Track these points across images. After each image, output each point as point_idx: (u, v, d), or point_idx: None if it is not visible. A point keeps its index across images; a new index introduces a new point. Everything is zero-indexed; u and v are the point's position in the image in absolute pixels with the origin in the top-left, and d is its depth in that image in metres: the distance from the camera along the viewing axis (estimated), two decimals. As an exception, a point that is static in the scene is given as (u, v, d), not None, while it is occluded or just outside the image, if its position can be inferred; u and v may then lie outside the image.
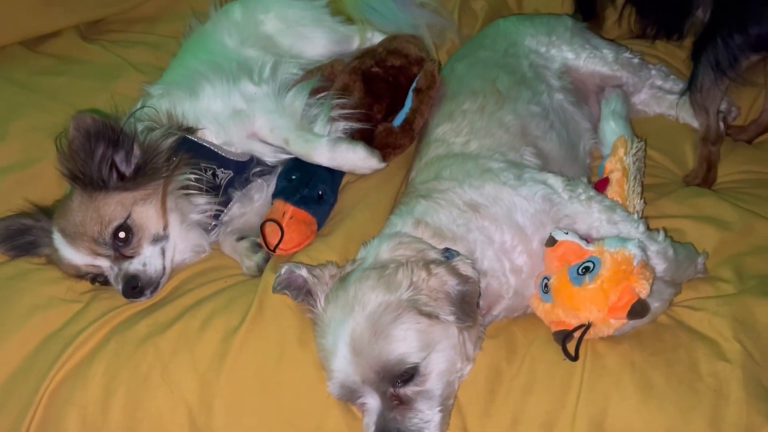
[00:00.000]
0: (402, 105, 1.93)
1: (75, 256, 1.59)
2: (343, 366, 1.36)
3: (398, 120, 1.91)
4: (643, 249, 1.48)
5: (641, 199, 1.77)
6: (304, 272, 1.51)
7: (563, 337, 1.46)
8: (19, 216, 1.68)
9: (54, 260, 1.65)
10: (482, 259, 1.53)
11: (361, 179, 1.87)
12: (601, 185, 1.80)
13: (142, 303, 1.60)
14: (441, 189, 1.64)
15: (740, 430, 1.34)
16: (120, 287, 1.58)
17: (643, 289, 1.43)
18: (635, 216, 1.65)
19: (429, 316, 1.38)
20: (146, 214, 1.62)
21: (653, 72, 2.16)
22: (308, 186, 1.72)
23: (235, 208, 1.80)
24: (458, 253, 1.49)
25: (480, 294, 1.49)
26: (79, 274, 1.63)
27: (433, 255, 1.48)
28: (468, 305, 1.41)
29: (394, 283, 1.40)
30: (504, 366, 1.49)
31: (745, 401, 1.36)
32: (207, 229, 1.75)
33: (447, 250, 1.51)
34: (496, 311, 1.58)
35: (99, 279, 1.63)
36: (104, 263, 1.60)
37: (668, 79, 2.16)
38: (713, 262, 1.68)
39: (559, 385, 1.44)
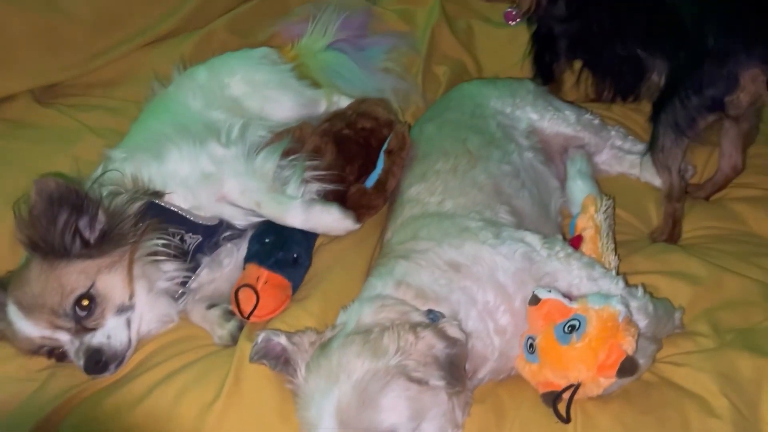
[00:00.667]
0: (374, 166, 1.92)
1: (32, 329, 1.47)
2: None
3: (370, 181, 1.89)
4: (626, 305, 1.48)
5: (615, 255, 1.78)
6: (282, 340, 1.44)
7: (553, 398, 1.43)
8: (-29, 293, 1.56)
9: (7, 336, 1.52)
10: (466, 320, 1.50)
11: (335, 241, 1.83)
12: (574, 243, 1.81)
13: (106, 378, 1.48)
14: (420, 249, 1.61)
15: (738, 489, 1.31)
16: (81, 362, 1.46)
17: (630, 346, 1.42)
18: (613, 272, 1.65)
19: (418, 382, 1.32)
20: (111, 283, 1.53)
21: (612, 133, 2.22)
22: (283, 249, 1.66)
23: (203, 274, 1.72)
24: (443, 315, 1.46)
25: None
26: (34, 350, 1.51)
27: (417, 317, 1.44)
28: (457, 369, 1.37)
29: (380, 348, 1.34)
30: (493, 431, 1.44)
31: (740, 458, 1.34)
32: (174, 297, 1.66)
33: (431, 311, 1.47)
34: (481, 374, 1.54)
35: (56, 353, 1.51)
36: (64, 336, 1.48)
37: (627, 139, 2.23)
38: (688, 317, 1.69)
39: (552, 451, 1.39)
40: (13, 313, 1.49)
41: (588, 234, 1.82)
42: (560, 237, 1.72)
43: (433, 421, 1.33)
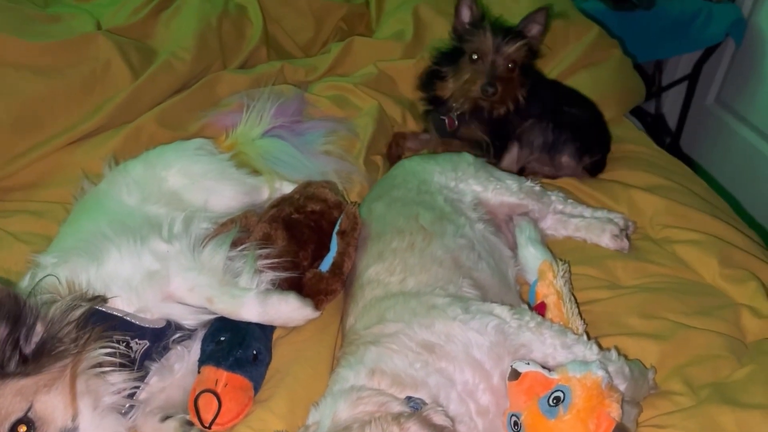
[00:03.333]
0: (327, 250, 1.85)
1: None
2: None
3: (325, 265, 1.82)
4: (605, 370, 1.45)
5: (581, 319, 1.77)
6: (254, 449, 1.31)
7: (548, 478, 1.35)
8: None
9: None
10: (447, 404, 1.42)
11: (294, 332, 1.72)
12: (539, 310, 1.79)
13: None
14: (389, 333, 1.54)
15: None
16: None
17: (616, 412, 1.38)
18: (584, 337, 1.63)
19: None
20: (51, 404, 1.35)
21: (553, 198, 2.27)
22: (241, 347, 1.54)
23: (153, 383, 1.56)
24: (424, 402, 1.37)
25: (453, 444, 1.36)
26: None
27: (397, 407, 1.35)
28: None
29: None
30: None
31: None
32: (122, 412, 1.49)
33: (410, 398, 1.39)
34: (466, 461, 1.44)
35: (-13, 497, 1.31)
36: (-3, 473, 1.29)
37: (567, 203, 2.28)
38: (660, 376, 1.69)
39: None
40: (-67, 452, 1.28)
41: (551, 300, 1.80)
42: (526, 307, 1.69)
43: None
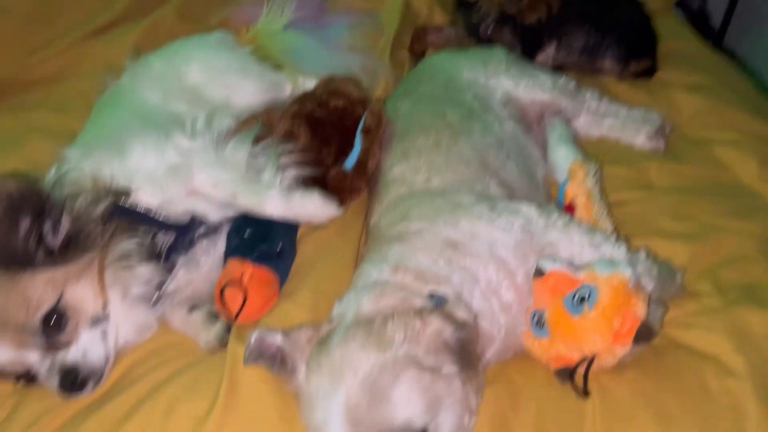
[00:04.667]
0: (351, 147, 1.81)
1: None
2: None
3: (349, 163, 1.78)
4: (633, 269, 1.42)
5: (611, 220, 1.73)
6: (277, 338, 1.32)
7: (569, 373, 1.36)
8: None
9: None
10: (471, 300, 1.41)
11: (318, 229, 1.71)
12: (567, 211, 1.75)
13: (84, 399, 1.34)
14: (413, 230, 1.52)
15: (767, 447, 1.27)
16: (56, 383, 1.32)
17: (642, 311, 1.36)
18: (613, 237, 1.59)
19: (431, 370, 1.23)
20: (82, 293, 1.38)
21: (588, 96, 2.17)
22: (266, 241, 1.54)
23: (180, 276, 1.58)
24: (446, 297, 1.37)
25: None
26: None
27: (420, 301, 1.35)
28: (469, 353, 1.28)
29: (386, 338, 1.24)
30: (509, 414, 1.36)
31: (764, 414, 1.30)
32: (151, 303, 1.52)
33: (433, 294, 1.38)
34: (488, 354, 1.45)
35: (24, 377, 1.36)
36: (33, 356, 1.33)
37: (602, 102, 2.18)
38: (689, 278, 1.65)
39: (572, 428, 1.32)
40: (-30, 337, 1.33)
41: (580, 201, 1.76)
42: (554, 206, 1.65)
43: (450, 410, 1.24)
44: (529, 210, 1.56)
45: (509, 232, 1.50)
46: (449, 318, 1.29)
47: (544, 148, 2.00)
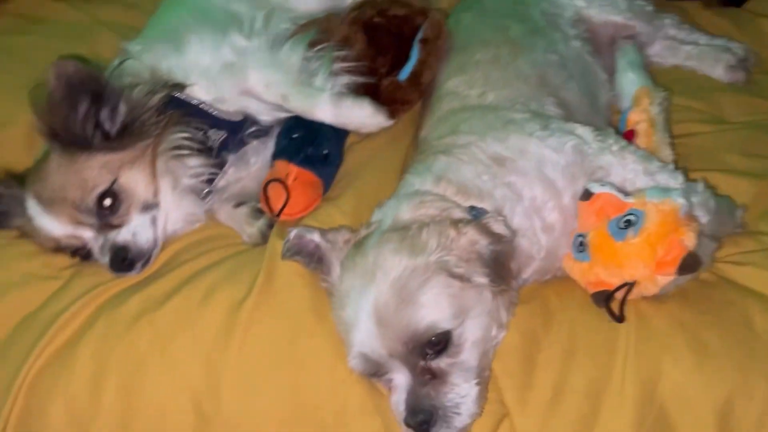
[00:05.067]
0: (407, 58, 1.77)
1: (53, 225, 1.40)
2: (366, 339, 1.21)
3: (404, 74, 1.75)
4: (687, 199, 1.35)
5: (672, 150, 1.64)
6: (316, 236, 1.35)
7: (605, 297, 1.33)
8: (-10, 187, 1.49)
9: (28, 232, 1.46)
10: (512, 216, 1.39)
11: (367, 139, 1.71)
12: (627, 137, 1.67)
13: (132, 278, 1.42)
14: (461, 143, 1.49)
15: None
16: (107, 260, 1.40)
17: (691, 241, 1.30)
18: (671, 166, 1.52)
19: (461, 279, 1.23)
20: (135, 179, 1.44)
21: (667, 21, 2.04)
22: (313, 144, 1.55)
23: (230, 173, 1.63)
24: (486, 211, 1.35)
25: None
26: (57, 247, 1.44)
27: (458, 213, 1.34)
28: (502, 267, 1.27)
29: (419, 244, 1.25)
30: (540, 332, 1.36)
31: (809, 357, 1.25)
32: (201, 197, 1.57)
33: (473, 208, 1.36)
34: (526, 274, 1.44)
35: (80, 252, 1.45)
36: (87, 233, 1.42)
37: (682, 28, 2.05)
38: (750, 216, 1.56)
39: (603, 351, 1.30)
40: (33, 208, 1.42)
41: (641, 128, 1.68)
42: (612, 130, 1.57)
43: (476, 319, 1.25)
44: (584, 131, 1.50)
45: (560, 151, 1.45)
46: (485, 230, 1.28)
47: (612, 73, 1.91)
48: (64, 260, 1.46)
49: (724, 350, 1.27)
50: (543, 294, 1.43)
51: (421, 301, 1.20)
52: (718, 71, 1.94)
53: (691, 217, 1.33)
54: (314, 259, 1.36)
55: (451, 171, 1.43)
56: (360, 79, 1.69)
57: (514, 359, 1.32)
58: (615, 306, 1.32)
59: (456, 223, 1.28)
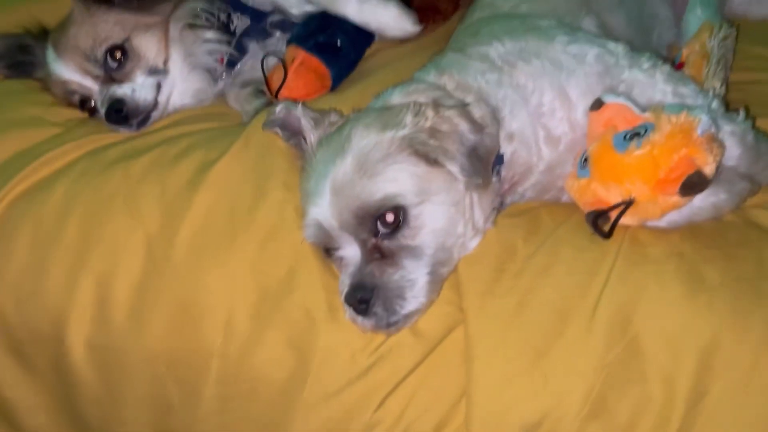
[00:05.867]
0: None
1: (63, 70, 1.47)
2: (320, 207, 1.15)
3: (444, -16, 1.67)
4: (714, 121, 1.18)
5: (723, 85, 1.45)
6: (301, 113, 1.31)
7: (597, 214, 1.19)
8: (21, 35, 1.58)
9: (47, 83, 1.54)
10: (511, 119, 1.27)
11: (393, 46, 1.65)
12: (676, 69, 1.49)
13: (126, 134, 1.45)
14: (475, 43, 1.40)
15: (813, 342, 1.03)
16: (104, 111, 1.44)
17: (706, 164, 1.13)
18: (710, 93, 1.33)
19: (427, 160, 1.14)
20: (146, 42, 1.48)
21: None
22: (325, 33, 1.52)
23: (249, 60, 1.62)
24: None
25: (501, 158, 1.25)
26: (67, 94, 1.51)
27: (449, 102, 1.25)
28: (479, 159, 1.17)
29: (394, 121, 1.17)
30: (520, 244, 1.23)
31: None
32: (215, 77, 1.58)
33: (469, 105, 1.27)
34: (522, 187, 1.32)
35: (88, 105, 1.50)
36: (93, 84, 1.47)
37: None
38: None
39: (584, 271, 1.16)
40: (50, 54, 1.50)
41: (693, 59, 1.49)
42: (654, 55, 1.41)
43: (440, 206, 1.15)
44: (615, 46, 1.36)
45: (580, 59, 1.32)
46: (466, 115, 1.18)
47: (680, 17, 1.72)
48: (74, 113, 1.52)
49: (722, 286, 1.10)
50: (536, 212, 1.31)
51: (380, 173, 1.13)
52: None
53: (713, 140, 1.16)
54: (296, 137, 1.32)
55: (456, 66, 1.34)
56: (394, -18, 1.63)
57: (485, 267, 1.21)
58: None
59: (437, 105, 1.19)
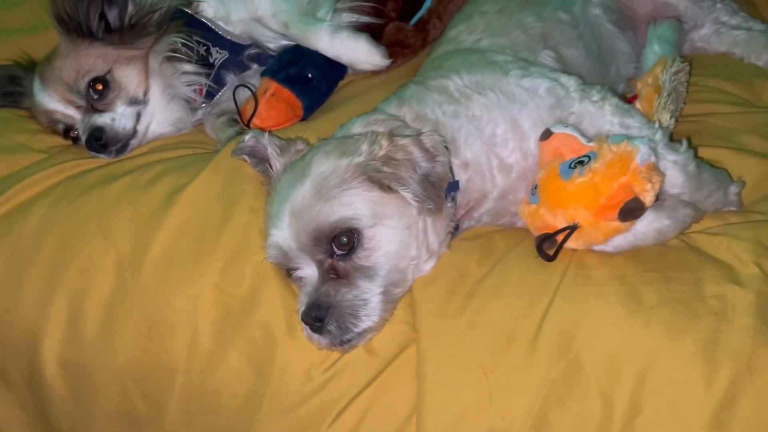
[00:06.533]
0: (419, 8, 1.78)
1: (47, 100, 1.56)
2: (280, 230, 1.22)
3: (413, 20, 1.76)
4: (654, 151, 1.25)
5: (672, 117, 1.52)
6: (268, 142, 1.39)
7: (542, 238, 1.25)
8: (10, 66, 1.67)
9: (33, 112, 1.62)
10: (466, 149, 1.35)
11: (364, 79, 1.73)
12: (628, 101, 1.57)
13: (105, 160, 1.53)
14: (436, 77, 1.48)
15: (739, 360, 1.07)
16: (84, 138, 1.52)
17: (644, 192, 1.20)
18: (656, 125, 1.40)
19: (381, 186, 1.21)
20: (128, 74, 1.56)
21: (719, 6, 1.89)
22: (297, 66, 1.60)
23: (227, 93, 1.70)
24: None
25: (457, 185, 1.32)
26: (51, 123, 1.59)
27: (406, 133, 1.32)
28: (431, 186, 1.23)
29: (350, 149, 1.25)
30: (473, 267, 1.30)
31: (753, 328, 1.10)
32: (193, 107, 1.67)
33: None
34: (477, 213, 1.39)
35: (71, 134, 1.58)
36: (75, 114, 1.55)
37: (736, 15, 1.89)
38: (752, 197, 1.42)
39: (531, 292, 1.22)
40: (36, 85, 1.58)
41: (645, 92, 1.57)
42: (605, 87, 1.48)
43: (393, 230, 1.22)
44: (567, 79, 1.43)
45: (533, 92, 1.39)
46: (419, 144, 1.26)
47: (640, 51, 1.80)
48: (57, 140, 1.60)
49: (660, 308, 1.15)
50: (490, 236, 1.38)
51: (336, 197, 1.20)
52: (765, 58, 1.77)
53: (653, 170, 1.23)
54: (263, 163, 1.40)
55: (416, 98, 1.42)
56: (364, 19, 1.72)
57: (438, 288, 1.27)
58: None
59: (393, 135, 1.27)
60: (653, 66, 1.62)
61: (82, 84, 1.53)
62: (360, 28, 1.72)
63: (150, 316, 1.29)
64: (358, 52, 1.66)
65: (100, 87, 1.53)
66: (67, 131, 1.59)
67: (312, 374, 1.22)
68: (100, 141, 1.49)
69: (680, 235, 1.31)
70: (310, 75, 1.61)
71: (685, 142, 1.35)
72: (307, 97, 1.60)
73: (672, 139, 1.42)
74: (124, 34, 1.56)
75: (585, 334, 1.15)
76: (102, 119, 1.52)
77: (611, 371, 1.12)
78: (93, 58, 1.53)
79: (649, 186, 1.20)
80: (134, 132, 1.56)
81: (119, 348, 1.30)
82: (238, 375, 1.25)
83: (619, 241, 1.27)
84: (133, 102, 1.57)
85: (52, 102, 1.55)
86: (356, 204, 1.20)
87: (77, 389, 1.34)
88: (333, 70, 1.69)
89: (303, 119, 1.62)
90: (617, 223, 1.21)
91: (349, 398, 1.21)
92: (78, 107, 1.55)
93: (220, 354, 1.26)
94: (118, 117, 1.53)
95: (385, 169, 1.21)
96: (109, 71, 1.54)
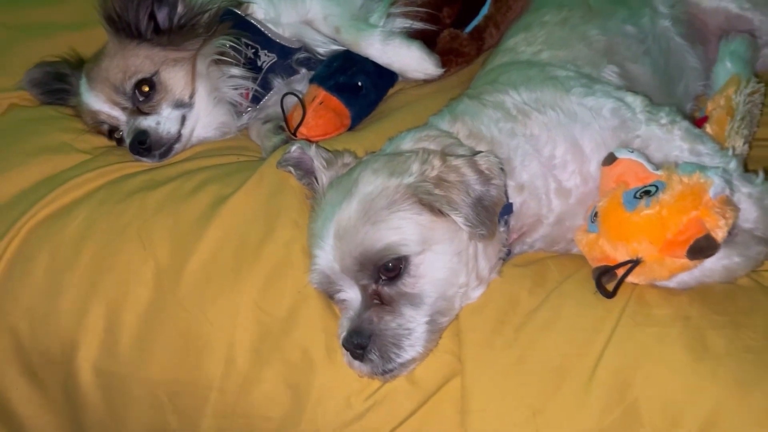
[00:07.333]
0: (476, 14, 1.70)
1: (93, 100, 1.53)
2: (324, 252, 1.17)
3: (468, 27, 1.68)
4: (729, 183, 1.15)
5: (746, 143, 1.42)
6: (315, 154, 1.33)
7: (602, 271, 1.17)
8: (58, 63, 1.65)
9: (78, 111, 1.60)
10: (522, 170, 1.27)
11: (415, 87, 1.67)
12: (698, 123, 1.47)
13: (149, 164, 1.50)
14: (492, 91, 1.40)
15: (819, 421, 0.98)
16: (129, 141, 1.49)
17: (717, 228, 1.11)
18: (730, 152, 1.31)
19: (432, 209, 1.15)
20: (174, 77, 1.52)
21: (795, 17, 1.76)
22: (346, 74, 1.54)
23: (274, 96, 1.66)
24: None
25: (510, 208, 1.24)
26: (96, 123, 1.56)
27: (459, 152, 1.25)
28: (484, 210, 1.16)
29: (401, 168, 1.18)
30: (524, 296, 1.22)
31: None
32: (239, 111, 1.62)
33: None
34: (531, 238, 1.32)
35: (116, 135, 1.56)
36: (121, 115, 1.52)
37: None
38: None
39: (586, 328, 1.15)
40: (83, 84, 1.56)
41: (717, 114, 1.47)
42: (674, 109, 1.39)
43: (441, 256, 1.15)
44: (633, 99, 1.34)
45: (596, 111, 1.31)
46: (473, 166, 1.19)
47: (711, 66, 1.69)
48: (102, 141, 1.58)
49: (728, 357, 1.06)
50: (544, 263, 1.30)
51: (383, 220, 1.14)
52: None
53: (726, 203, 1.14)
54: (308, 176, 1.35)
55: (469, 113, 1.35)
56: (418, 25, 1.65)
57: (486, 317, 1.20)
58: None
59: (445, 155, 1.20)
60: (725, 85, 1.52)
61: (129, 85, 1.50)
62: (413, 35, 1.66)
63: (186, 331, 1.25)
64: (411, 60, 1.59)
65: (146, 88, 1.50)
66: (112, 132, 1.57)
67: (351, 402, 1.17)
68: (144, 145, 1.46)
69: (751, 272, 1.22)
70: (359, 83, 1.55)
71: (761, 174, 1.25)
72: (355, 106, 1.55)
73: (745, 167, 1.33)
74: (172, 35, 1.53)
75: (644, 380, 1.08)
76: (147, 122, 1.49)
77: (672, 423, 1.05)
78: (140, 59, 1.51)
79: (722, 222, 1.11)
80: (179, 136, 1.52)
81: (154, 360, 1.27)
82: (273, 397, 1.21)
83: (684, 277, 1.18)
84: (179, 105, 1.53)
85: (98, 103, 1.53)
86: (404, 228, 1.14)
87: (110, 399, 1.31)
88: (383, 78, 1.63)
89: (350, 128, 1.57)
90: (684, 261, 1.12)
91: (389, 429, 1.16)
92: (123, 109, 1.52)
93: (256, 374, 1.22)
94: (163, 120, 1.50)
95: (437, 191, 1.15)
96: (156, 73, 1.51)
